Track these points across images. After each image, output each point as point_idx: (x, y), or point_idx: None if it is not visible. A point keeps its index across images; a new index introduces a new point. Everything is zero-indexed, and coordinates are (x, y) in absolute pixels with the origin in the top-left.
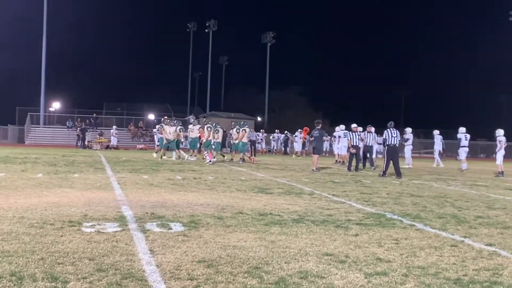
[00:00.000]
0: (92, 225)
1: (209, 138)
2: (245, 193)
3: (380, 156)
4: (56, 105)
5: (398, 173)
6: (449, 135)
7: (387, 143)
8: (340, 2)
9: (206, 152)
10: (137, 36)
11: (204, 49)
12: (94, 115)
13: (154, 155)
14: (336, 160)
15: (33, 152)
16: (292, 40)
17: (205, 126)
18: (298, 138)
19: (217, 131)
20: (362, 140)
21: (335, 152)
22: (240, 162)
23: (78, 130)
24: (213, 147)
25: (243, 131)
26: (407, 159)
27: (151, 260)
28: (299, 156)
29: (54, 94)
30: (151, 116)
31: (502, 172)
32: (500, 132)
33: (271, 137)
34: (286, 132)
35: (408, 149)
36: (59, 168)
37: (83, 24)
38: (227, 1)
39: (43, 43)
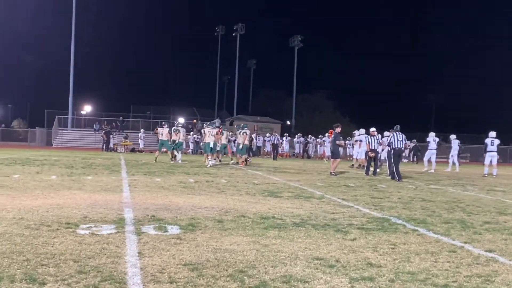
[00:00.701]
0: (88, 227)
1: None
2: (253, 196)
3: (405, 160)
4: (87, 109)
5: (399, 176)
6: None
7: (393, 146)
8: (369, 5)
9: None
10: (165, 41)
11: (232, 53)
12: (121, 118)
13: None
14: (353, 164)
15: (56, 155)
16: (320, 43)
17: (207, 129)
18: (327, 143)
19: (221, 134)
20: (380, 144)
21: (354, 156)
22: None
23: (102, 133)
24: (217, 149)
25: (244, 134)
26: (425, 163)
27: (136, 263)
28: (327, 161)
29: (84, 98)
30: (181, 120)
31: None
32: None
33: (294, 141)
34: (305, 136)
35: (429, 153)
36: (75, 170)
37: (112, 28)
38: (255, 5)
39: (72, 46)
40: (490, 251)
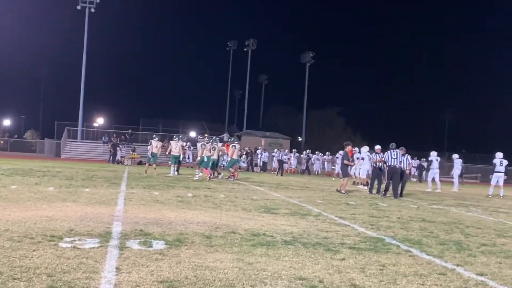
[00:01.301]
0: (72, 240)
1: (203, 155)
2: (249, 212)
3: (414, 179)
4: (100, 121)
5: (396, 194)
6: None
7: (388, 164)
8: (380, 23)
9: (203, 169)
10: (178, 54)
11: (244, 68)
12: (130, 131)
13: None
14: (354, 181)
15: (60, 166)
16: (331, 60)
17: (199, 144)
18: (339, 160)
19: (214, 148)
20: (385, 162)
21: (352, 173)
22: (231, 179)
23: (109, 146)
24: (210, 164)
25: (233, 147)
26: (429, 183)
27: (112, 279)
28: (334, 178)
29: (96, 110)
30: (192, 134)
31: None
32: None
33: (302, 157)
34: (311, 152)
35: (432, 173)
36: (74, 182)
37: (125, 41)
38: (267, 20)
39: (83, 59)
40: (481, 274)
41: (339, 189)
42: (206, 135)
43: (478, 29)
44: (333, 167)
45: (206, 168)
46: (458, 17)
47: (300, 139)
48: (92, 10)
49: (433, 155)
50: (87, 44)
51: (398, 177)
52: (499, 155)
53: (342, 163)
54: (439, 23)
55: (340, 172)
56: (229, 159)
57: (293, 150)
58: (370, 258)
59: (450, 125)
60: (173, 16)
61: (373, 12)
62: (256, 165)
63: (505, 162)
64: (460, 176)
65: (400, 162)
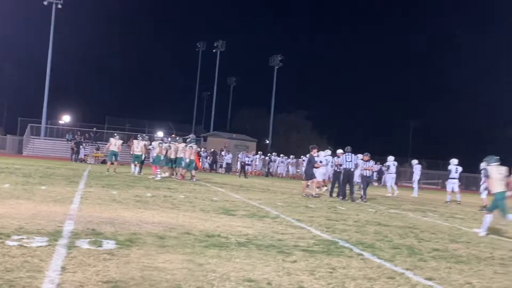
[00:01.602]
0: (20, 238)
1: (158, 154)
2: (207, 213)
3: (375, 184)
4: (66, 118)
5: (352, 197)
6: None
7: (343, 167)
8: (349, 28)
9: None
10: (146, 54)
11: (212, 69)
12: (94, 129)
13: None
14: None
15: (20, 163)
16: (300, 64)
17: (156, 142)
18: (305, 163)
19: (169, 147)
20: (340, 165)
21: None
22: (193, 180)
23: (72, 144)
24: (164, 163)
25: (190, 148)
26: (389, 188)
27: (56, 278)
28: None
29: (62, 107)
30: (160, 134)
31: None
32: (483, 165)
33: (267, 159)
34: (274, 154)
35: (389, 177)
36: (32, 179)
37: (92, 38)
38: (236, 22)
39: (49, 55)
40: (430, 279)
41: (314, 194)
42: (173, 135)
43: (446, 37)
44: (298, 170)
45: (156, 166)
46: (427, 24)
47: (267, 141)
48: (59, 6)
49: (390, 159)
50: (53, 41)
51: (352, 179)
52: (454, 161)
53: (307, 166)
54: (407, 28)
55: (304, 174)
56: (187, 160)
57: (259, 152)
58: (321, 261)
59: (415, 131)
60: (141, 15)
61: (342, 16)
62: (220, 166)
63: (460, 168)
64: (418, 181)
65: (356, 165)
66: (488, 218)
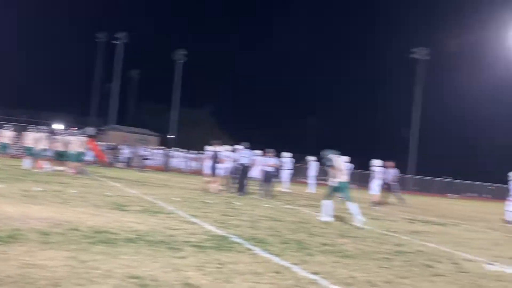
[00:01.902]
0: None
1: (45, 147)
2: (98, 208)
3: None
4: None
5: (241, 191)
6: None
7: (240, 162)
8: (251, 24)
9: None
10: (46, 44)
11: (114, 61)
12: None
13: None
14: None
15: None
16: (204, 59)
17: (42, 134)
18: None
19: (57, 140)
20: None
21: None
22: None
23: None
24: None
25: (79, 140)
26: (285, 184)
27: None
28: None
29: None
30: (56, 126)
31: (379, 203)
32: (375, 162)
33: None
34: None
35: (285, 173)
36: None
37: None
38: (140, 14)
39: None
40: (316, 273)
41: (215, 190)
42: (72, 128)
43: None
44: (199, 165)
45: (42, 159)
46: (325, 26)
47: (170, 136)
48: None
49: (285, 155)
50: None
51: (246, 174)
52: (344, 158)
53: (210, 162)
54: (299, 26)
55: (207, 171)
56: (76, 152)
57: (160, 146)
58: (211, 257)
59: (314, 128)
60: (36, 5)
61: (246, 13)
62: (119, 160)
63: (350, 165)
64: (316, 177)
65: (252, 160)
66: (327, 204)
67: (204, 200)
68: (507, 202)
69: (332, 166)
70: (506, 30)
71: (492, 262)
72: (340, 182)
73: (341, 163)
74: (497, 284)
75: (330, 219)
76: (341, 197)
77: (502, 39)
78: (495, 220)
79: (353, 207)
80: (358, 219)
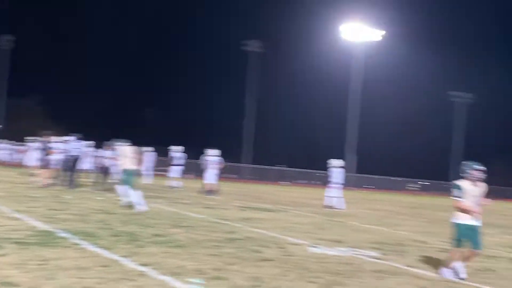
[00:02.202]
0: None
1: None
2: None
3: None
4: None
5: (71, 184)
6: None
7: (69, 154)
8: (89, 10)
9: None
10: None
11: None
12: None
13: None
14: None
15: None
16: (34, 46)
17: None
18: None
19: None
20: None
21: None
22: None
23: None
24: None
25: None
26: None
27: None
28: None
29: None
30: None
31: (211, 191)
32: (210, 152)
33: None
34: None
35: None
36: None
37: None
38: None
39: None
40: (145, 265)
41: (43, 183)
42: None
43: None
44: (25, 157)
45: None
46: (161, 17)
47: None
48: None
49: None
50: None
51: (75, 166)
52: (178, 148)
53: (39, 154)
54: (135, 18)
55: (38, 163)
56: None
57: None
58: (34, 253)
59: (151, 121)
60: None
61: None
62: None
63: (183, 155)
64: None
65: (84, 152)
66: (121, 189)
67: (30, 194)
68: (327, 188)
69: (118, 156)
70: (335, 19)
71: (315, 245)
72: (125, 170)
73: (127, 151)
74: (320, 265)
75: (143, 207)
76: (124, 184)
77: (331, 28)
78: (320, 206)
79: (134, 195)
80: (138, 207)
